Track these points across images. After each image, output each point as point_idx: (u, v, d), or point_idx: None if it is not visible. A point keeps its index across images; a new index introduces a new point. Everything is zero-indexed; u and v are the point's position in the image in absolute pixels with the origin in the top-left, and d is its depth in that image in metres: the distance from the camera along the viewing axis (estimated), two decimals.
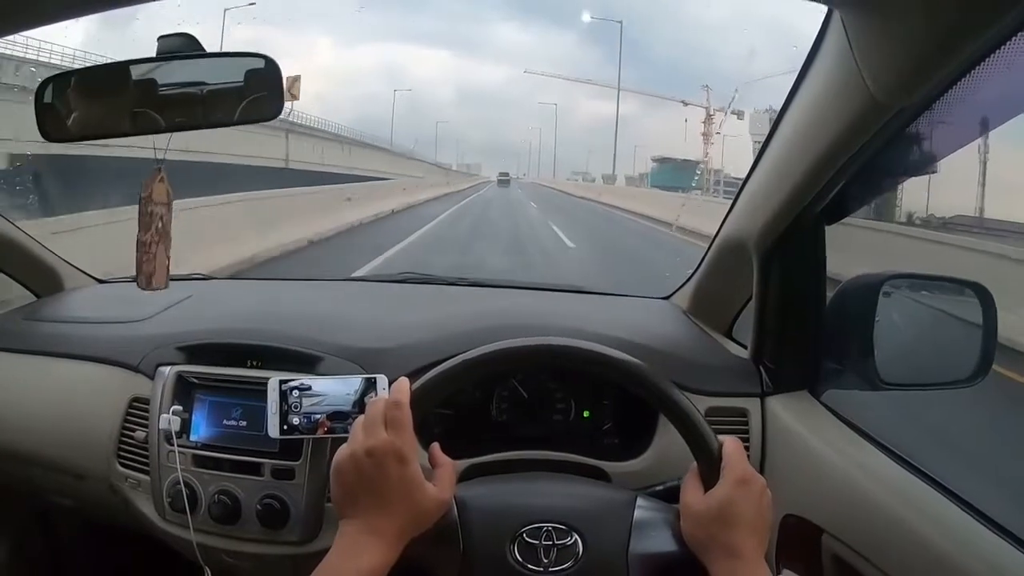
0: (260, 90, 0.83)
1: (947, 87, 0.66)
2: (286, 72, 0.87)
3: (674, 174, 40.04)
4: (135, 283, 0.96)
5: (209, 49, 0.87)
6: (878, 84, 0.66)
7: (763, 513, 0.70)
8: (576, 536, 0.71)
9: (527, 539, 0.71)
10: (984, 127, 0.79)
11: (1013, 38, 0.58)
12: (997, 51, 0.61)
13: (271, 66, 0.82)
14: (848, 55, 0.67)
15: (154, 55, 0.89)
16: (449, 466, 0.72)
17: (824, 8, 0.71)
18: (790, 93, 0.83)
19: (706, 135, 35.77)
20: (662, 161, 45.90)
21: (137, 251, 0.96)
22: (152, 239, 0.96)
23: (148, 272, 0.95)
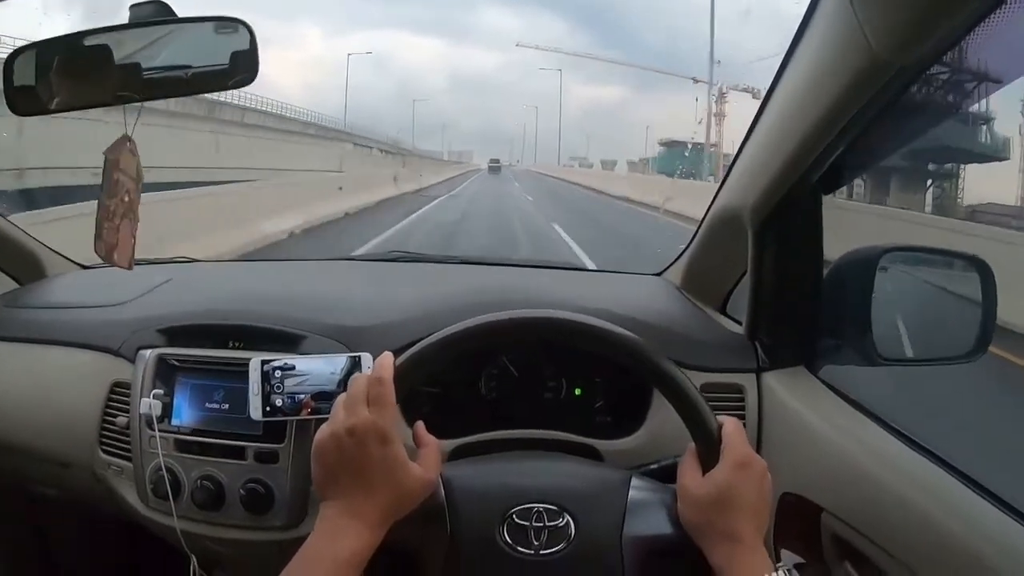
0: (236, 56, 0.80)
1: (951, 44, 0.64)
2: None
3: (683, 159, 35.61)
4: (115, 267, 0.93)
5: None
6: (880, 39, 0.63)
7: (763, 497, 0.68)
8: (568, 517, 0.69)
9: (517, 520, 0.69)
10: (986, 89, 0.77)
11: None
12: (1001, 7, 0.59)
13: (245, 30, 0.79)
14: (848, 9, 0.65)
15: (127, 22, 0.86)
16: (434, 445, 0.70)
17: None
18: (787, 54, 0.80)
19: (718, 115, 34.18)
20: (670, 145, 42.53)
21: (98, 212, 0.92)
22: (117, 208, 0.93)
23: (110, 243, 0.91)
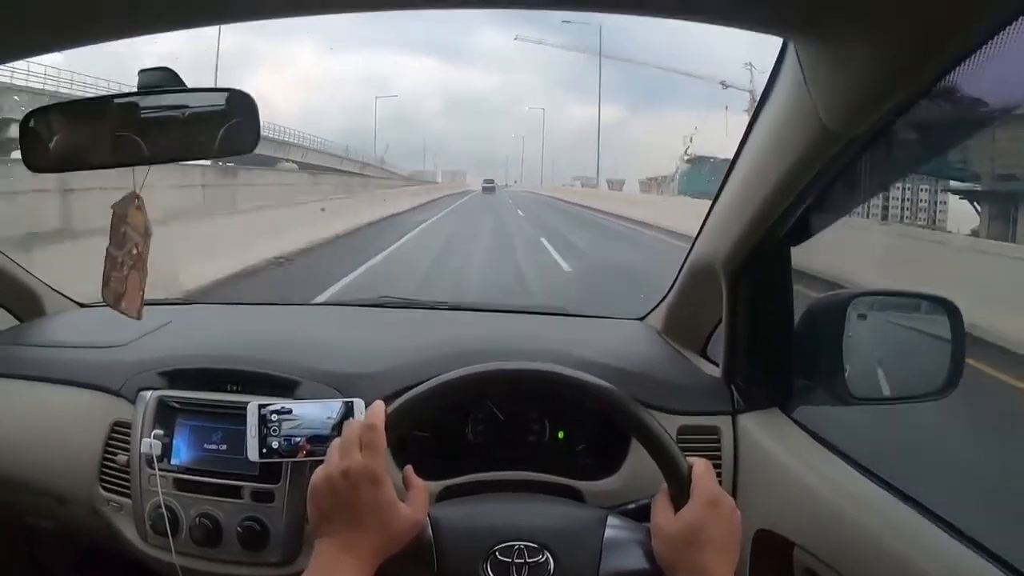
0: (238, 124, 0.85)
1: (896, 116, 0.68)
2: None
3: (713, 177, 24.86)
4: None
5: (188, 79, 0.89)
6: (830, 113, 0.69)
7: (733, 534, 0.72)
8: (548, 554, 0.73)
9: (500, 557, 0.72)
10: (935, 151, 0.83)
11: (956, 69, 0.61)
12: (942, 81, 0.64)
13: (248, 100, 0.85)
14: (801, 85, 0.70)
15: (136, 89, 0.92)
16: (422, 488, 0.74)
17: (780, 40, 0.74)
18: (750, 120, 0.86)
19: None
20: (695, 161, 34.68)
21: (106, 262, 0.96)
22: (125, 260, 0.97)
23: (117, 292, 0.95)
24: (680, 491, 0.72)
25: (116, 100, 0.91)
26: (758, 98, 0.85)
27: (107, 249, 0.97)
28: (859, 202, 0.89)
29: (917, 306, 1.10)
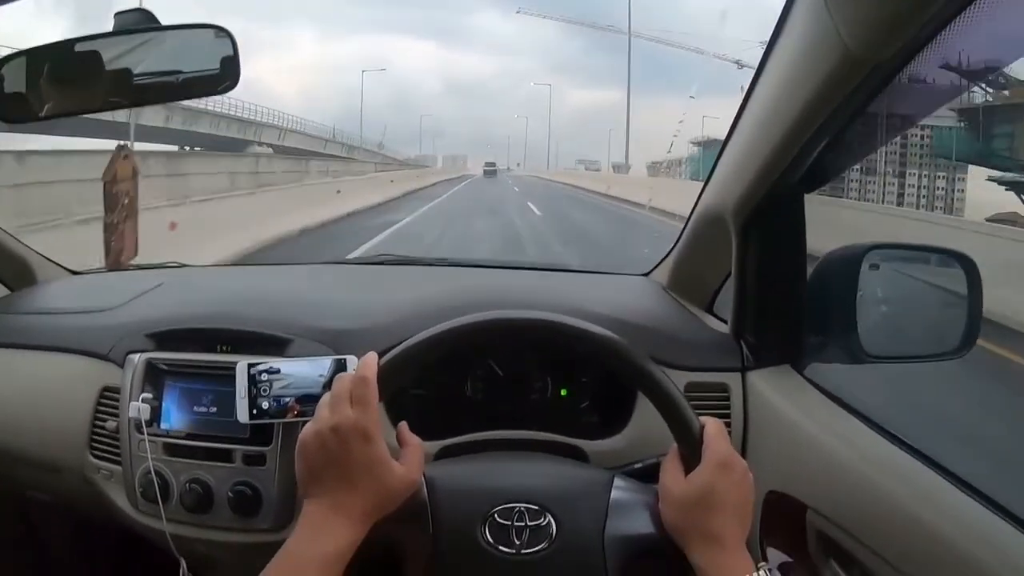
0: (216, 61, 0.81)
1: (924, 42, 0.64)
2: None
3: None
4: (111, 273, 0.94)
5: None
6: (854, 38, 0.64)
7: (745, 498, 0.69)
8: (550, 517, 0.69)
9: (499, 520, 0.69)
10: (963, 85, 0.78)
11: None
12: (974, 4, 0.59)
13: (225, 35, 0.80)
14: (822, 8, 0.65)
15: (111, 30, 0.87)
16: (417, 446, 0.71)
17: None
18: (764, 54, 0.81)
19: None
20: (706, 144, 32.51)
21: (104, 233, 0.94)
22: (119, 218, 0.95)
23: (117, 250, 0.93)
24: (691, 452, 0.69)
25: (90, 42, 0.87)
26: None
27: (103, 221, 0.94)
28: (879, 144, 0.84)
29: (934, 260, 1.06)
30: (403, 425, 0.73)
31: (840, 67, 0.67)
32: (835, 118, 0.75)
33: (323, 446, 0.65)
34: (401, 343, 0.72)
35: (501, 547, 0.68)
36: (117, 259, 0.92)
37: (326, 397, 0.67)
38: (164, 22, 0.86)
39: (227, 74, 0.81)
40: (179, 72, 0.88)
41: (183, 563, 1.03)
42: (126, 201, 0.95)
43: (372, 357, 0.69)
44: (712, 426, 0.70)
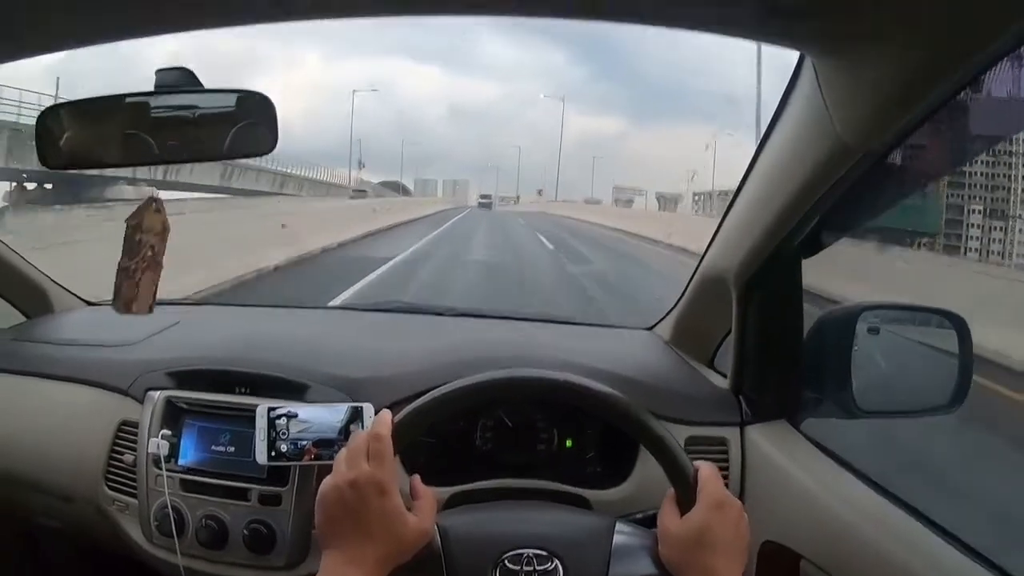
0: (256, 125, 0.85)
1: (913, 129, 0.69)
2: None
3: None
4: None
5: (206, 83, 0.90)
6: (846, 127, 0.69)
7: (740, 536, 0.71)
8: (557, 561, 0.72)
9: (509, 565, 0.72)
10: (951, 164, 0.83)
11: (974, 83, 0.62)
12: (960, 95, 0.64)
13: (265, 101, 0.85)
14: (818, 99, 0.70)
15: (153, 88, 0.92)
16: (429, 497, 0.74)
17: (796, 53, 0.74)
18: (765, 132, 0.86)
19: None
20: None
21: (117, 276, 0.97)
22: (138, 266, 0.98)
23: (128, 298, 0.95)
24: (686, 494, 0.72)
25: (129, 99, 0.91)
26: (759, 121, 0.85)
27: (119, 263, 0.97)
28: (874, 215, 0.89)
29: (926, 320, 1.10)
30: (416, 478, 0.76)
31: (833, 154, 0.72)
32: (829, 195, 0.80)
33: (341, 499, 0.68)
34: (415, 395, 0.77)
35: None
36: (128, 306, 0.93)
37: (343, 452, 0.71)
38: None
39: (264, 136, 0.85)
40: (217, 130, 0.92)
41: None
42: (149, 253, 0.96)
43: (386, 415, 0.73)
44: (706, 469, 0.73)
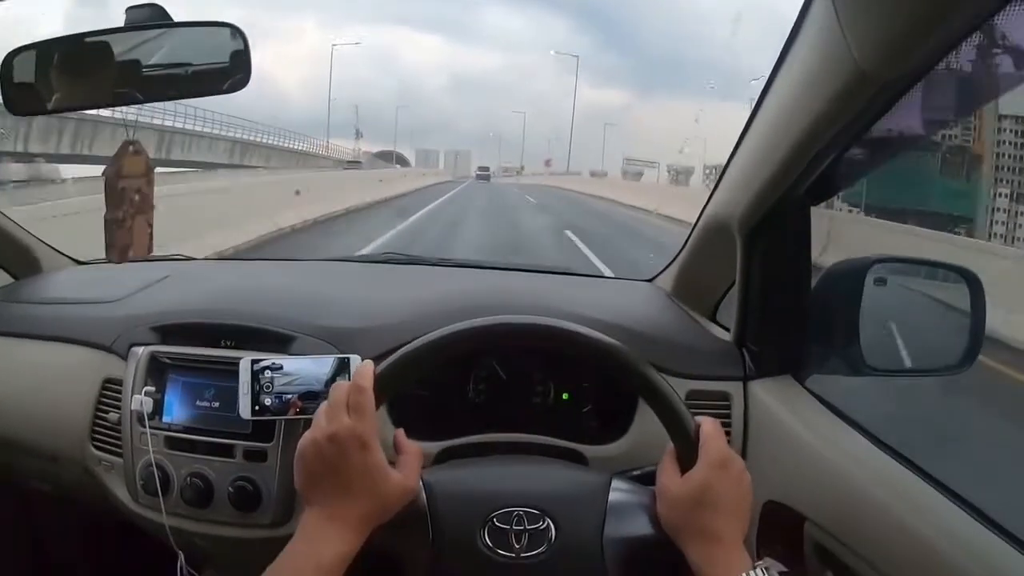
0: (229, 60, 0.81)
1: (936, 60, 0.64)
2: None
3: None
4: (116, 264, 0.95)
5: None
6: (865, 55, 0.64)
7: (743, 496, 0.69)
8: (548, 520, 0.70)
9: (498, 524, 0.69)
10: (974, 102, 0.77)
11: (1005, 9, 0.57)
12: (988, 22, 0.59)
13: (238, 35, 0.80)
14: (835, 24, 0.65)
15: (122, 25, 0.87)
16: (415, 452, 0.71)
17: None
18: (775, 66, 0.81)
19: None
20: None
21: (106, 229, 0.94)
22: (126, 213, 0.95)
23: (123, 244, 0.93)
24: (687, 451, 0.69)
25: (101, 37, 0.87)
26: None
27: (104, 217, 0.94)
28: (887, 157, 0.84)
29: (937, 275, 1.06)
30: (400, 432, 0.73)
31: (851, 84, 0.67)
32: (844, 133, 0.75)
33: (320, 454, 0.65)
34: (403, 344, 0.73)
35: (500, 552, 0.69)
36: (123, 254, 0.91)
37: (323, 406, 0.68)
38: (176, 17, 0.86)
39: (238, 72, 0.81)
40: (189, 66, 0.88)
41: (181, 556, 1.03)
42: (136, 198, 0.93)
43: (368, 366, 0.69)
44: (708, 425, 0.70)
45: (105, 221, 0.93)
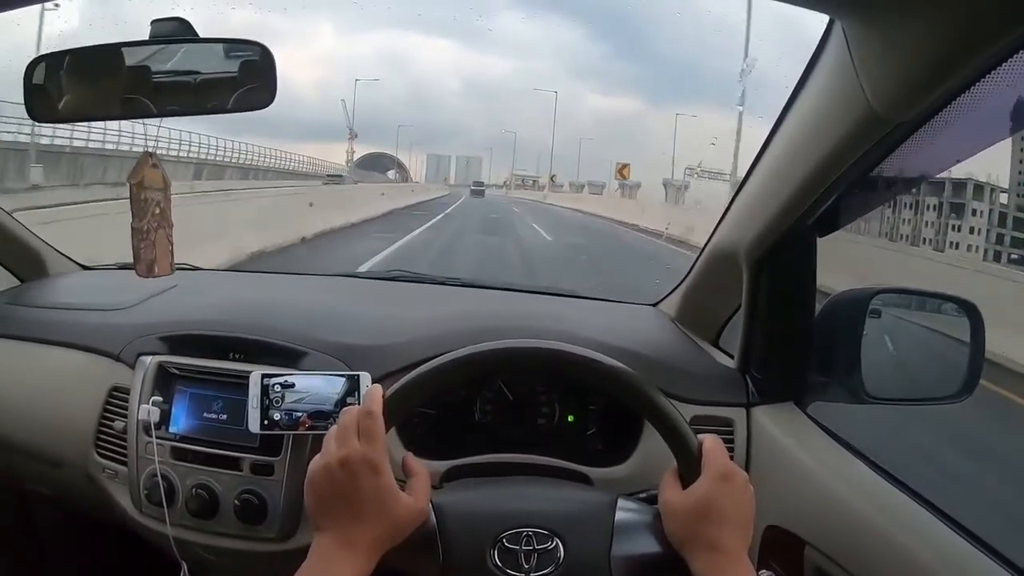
0: (253, 79, 0.82)
1: (946, 102, 0.65)
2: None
3: None
4: (122, 271, 0.95)
5: (203, 34, 0.86)
6: (878, 97, 0.66)
7: (746, 507, 0.69)
8: (557, 540, 0.70)
9: (507, 544, 0.70)
10: (980, 144, 0.79)
11: (1015, 56, 0.58)
12: (998, 68, 0.61)
13: (265, 54, 0.81)
14: (848, 66, 0.67)
15: (147, 38, 0.88)
16: (424, 474, 0.71)
17: (826, 17, 0.71)
18: (788, 101, 0.83)
19: None
20: None
21: (133, 238, 0.94)
22: (150, 225, 0.95)
23: (148, 259, 0.93)
24: (690, 467, 0.70)
25: (127, 50, 0.88)
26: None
27: (131, 225, 0.95)
28: (895, 194, 0.86)
29: (938, 307, 1.08)
30: (409, 455, 0.73)
31: (863, 124, 0.69)
32: (854, 169, 0.77)
33: (332, 479, 0.65)
34: (413, 364, 0.74)
35: (510, 571, 0.69)
36: (150, 269, 0.91)
37: (333, 430, 0.68)
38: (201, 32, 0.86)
39: (263, 90, 0.82)
40: (207, 83, 0.88)
41: (184, 568, 1.03)
42: (157, 211, 0.94)
43: (377, 390, 0.70)
44: (710, 441, 0.71)
45: (132, 229, 0.94)
